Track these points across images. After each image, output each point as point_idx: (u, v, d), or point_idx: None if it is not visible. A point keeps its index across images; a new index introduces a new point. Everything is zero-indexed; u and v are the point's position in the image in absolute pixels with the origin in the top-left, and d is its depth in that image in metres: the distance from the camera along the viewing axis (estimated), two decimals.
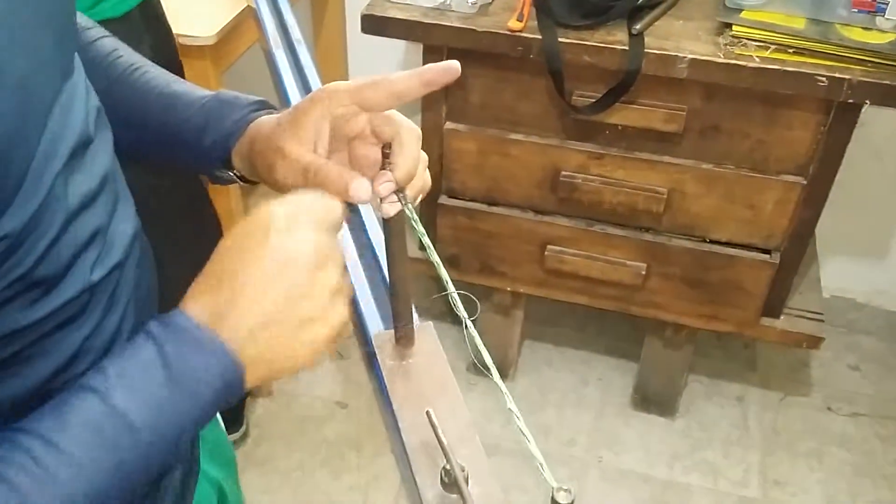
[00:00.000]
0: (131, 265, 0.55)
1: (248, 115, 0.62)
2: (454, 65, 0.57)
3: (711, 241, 1.56)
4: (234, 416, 1.71)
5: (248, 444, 1.74)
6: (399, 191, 0.55)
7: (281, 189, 0.58)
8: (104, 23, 1.12)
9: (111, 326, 0.53)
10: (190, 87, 0.65)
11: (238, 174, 0.63)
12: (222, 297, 0.48)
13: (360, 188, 0.54)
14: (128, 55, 0.67)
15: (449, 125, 1.54)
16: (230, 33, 1.35)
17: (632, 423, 1.85)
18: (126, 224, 0.55)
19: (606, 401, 1.89)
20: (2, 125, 0.40)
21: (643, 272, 1.60)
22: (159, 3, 1.24)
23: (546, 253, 1.62)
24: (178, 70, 1.28)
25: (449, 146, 1.56)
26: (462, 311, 0.54)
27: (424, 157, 0.60)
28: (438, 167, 1.59)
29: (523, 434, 0.49)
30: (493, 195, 1.61)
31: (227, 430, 1.72)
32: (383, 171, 0.56)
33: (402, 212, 0.56)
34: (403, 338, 0.62)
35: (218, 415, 0.85)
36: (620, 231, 1.58)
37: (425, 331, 0.64)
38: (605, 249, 1.60)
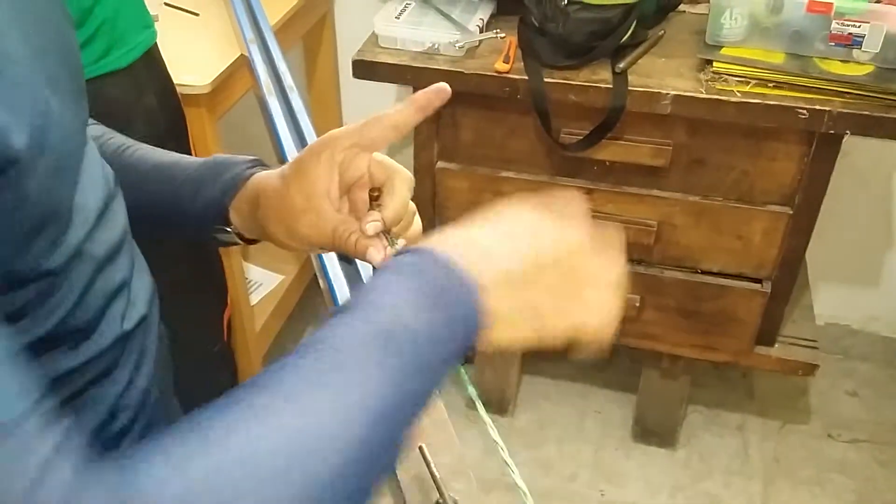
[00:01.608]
0: (153, 320, 0.57)
1: (244, 172, 0.63)
2: (444, 86, 0.59)
3: (703, 272, 1.58)
4: None
5: None
6: (386, 232, 0.57)
7: (291, 244, 0.60)
8: (111, 74, 1.17)
9: (142, 382, 0.55)
10: (181, 157, 0.67)
11: (236, 231, 0.64)
12: (487, 245, 0.49)
13: (376, 255, 0.57)
14: (117, 137, 0.69)
15: (441, 164, 1.57)
16: (225, 81, 1.38)
17: (632, 456, 1.85)
18: (145, 279, 0.57)
19: (606, 434, 1.90)
20: (50, 164, 0.42)
21: (637, 304, 1.61)
22: (160, 52, 1.27)
23: None
24: (182, 117, 1.31)
25: (441, 185, 1.58)
26: None
27: (414, 207, 0.62)
28: (431, 207, 1.61)
29: (507, 465, 0.50)
30: None
31: None
32: (371, 211, 0.58)
33: (391, 255, 0.58)
34: None
35: None
36: None
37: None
38: None
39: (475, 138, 1.53)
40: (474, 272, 0.46)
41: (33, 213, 0.42)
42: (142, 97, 1.22)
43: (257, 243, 0.66)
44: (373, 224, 0.57)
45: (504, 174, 1.55)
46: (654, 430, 1.86)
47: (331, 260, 0.76)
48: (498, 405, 1.91)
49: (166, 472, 0.35)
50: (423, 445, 0.56)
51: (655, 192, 1.51)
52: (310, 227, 0.58)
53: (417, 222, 0.62)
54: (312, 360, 0.42)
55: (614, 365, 2.02)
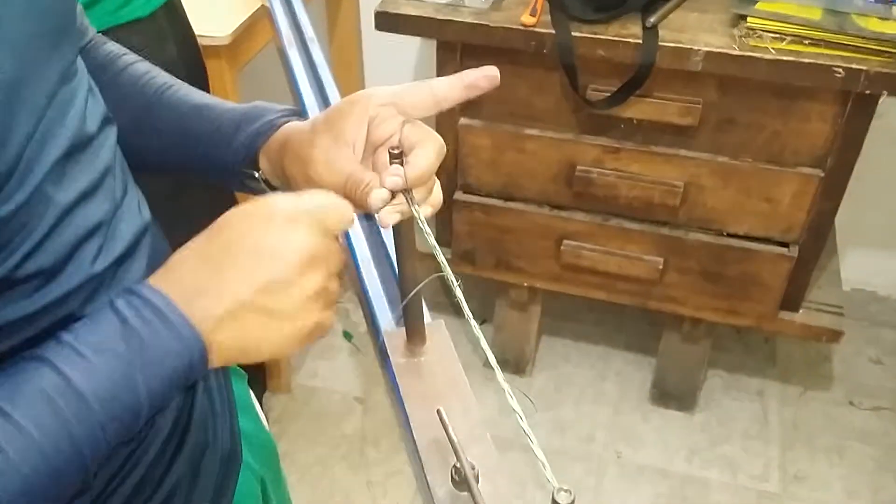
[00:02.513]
0: (139, 259, 0.56)
1: (279, 119, 0.62)
2: (494, 72, 0.58)
3: (729, 235, 1.55)
4: None
5: None
6: (407, 191, 0.55)
7: (307, 186, 0.58)
8: (132, 23, 1.15)
9: None
10: (222, 100, 0.66)
11: (263, 178, 0.63)
12: (201, 277, 0.48)
13: (375, 198, 0.54)
14: (160, 75, 0.68)
15: (464, 121, 1.54)
16: (245, 32, 1.36)
17: (650, 419, 1.84)
18: (133, 218, 0.56)
19: (624, 396, 1.89)
20: None
21: (660, 266, 1.59)
22: (181, 2, 1.25)
23: (562, 248, 1.62)
24: (202, 68, 1.29)
25: (464, 142, 1.56)
26: (466, 309, 0.53)
27: (436, 179, 0.60)
28: (453, 163, 1.59)
29: (525, 434, 0.48)
30: (508, 190, 1.60)
31: None
32: (394, 166, 0.56)
33: (409, 212, 0.56)
34: (414, 335, 0.62)
35: (259, 412, 0.85)
36: (637, 225, 1.57)
37: (437, 329, 0.64)
38: (621, 244, 1.60)
39: (499, 94, 1.50)
40: (195, 318, 0.47)
41: None
42: (162, 47, 1.20)
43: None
44: (392, 178, 0.55)
45: (528, 131, 1.52)
46: (673, 394, 1.85)
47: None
48: (516, 365, 1.91)
49: None
50: (441, 409, 0.55)
51: (683, 152, 1.48)
52: (326, 169, 0.56)
53: (438, 192, 0.60)
54: None
55: (635, 327, 2.00)
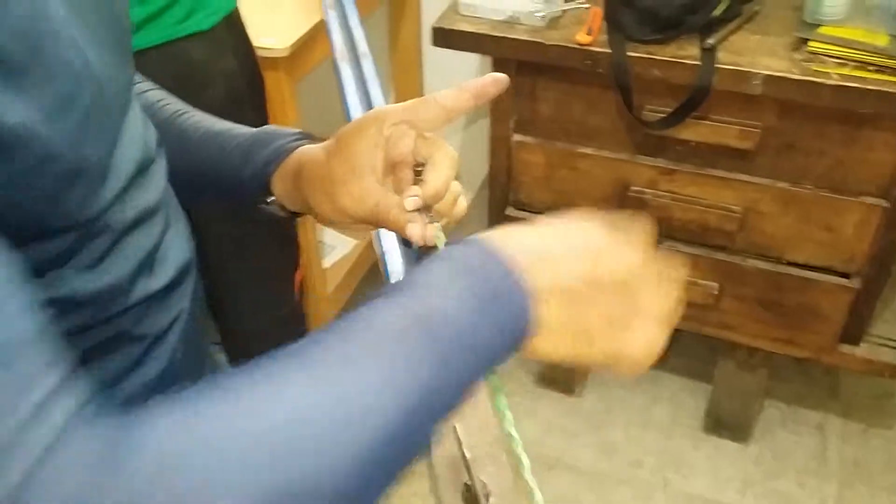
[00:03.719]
0: (188, 282, 0.57)
1: (289, 144, 0.63)
2: (502, 76, 0.57)
3: (787, 263, 1.50)
4: None
5: None
6: (426, 209, 0.56)
7: (333, 217, 0.59)
8: (193, 36, 1.19)
9: (172, 340, 0.55)
10: (234, 126, 0.67)
11: (278, 203, 0.64)
12: (549, 251, 0.46)
13: (415, 231, 0.55)
14: (174, 103, 0.70)
15: (517, 137, 1.54)
16: (304, 45, 1.39)
17: (701, 447, 1.79)
18: (182, 243, 0.57)
19: (676, 422, 1.85)
20: (91, 107, 0.42)
21: (715, 292, 1.55)
22: (240, 16, 1.28)
23: None
24: (260, 80, 1.33)
25: (517, 158, 1.56)
26: None
27: (459, 187, 0.60)
28: (506, 179, 1.59)
29: (519, 458, 0.48)
30: (560, 208, 1.58)
31: None
32: (411, 187, 0.57)
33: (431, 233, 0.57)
34: None
35: None
36: (691, 249, 1.54)
37: None
38: None
39: (553, 112, 1.49)
40: (531, 278, 0.44)
41: (61, 168, 0.42)
42: (222, 60, 1.24)
43: (302, 216, 0.65)
44: (412, 199, 0.56)
45: (582, 150, 1.51)
46: (727, 423, 1.80)
47: (386, 233, 0.76)
48: (565, 384, 1.88)
49: (170, 428, 0.34)
50: (457, 426, 0.55)
51: (741, 177, 1.44)
52: (352, 199, 0.57)
53: (462, 203, 0.60)
54: (343, 338, 0.40)
55: (690, 352, 1.95)
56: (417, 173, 0.58)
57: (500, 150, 1.55)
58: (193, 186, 0.66)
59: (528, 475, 0.48)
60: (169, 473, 0.33)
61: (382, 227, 0.58)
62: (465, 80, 0.58)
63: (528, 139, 1.53)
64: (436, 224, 0.57)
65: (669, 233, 1.54)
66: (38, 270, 0.45)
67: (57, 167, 0.42)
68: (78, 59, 0.42)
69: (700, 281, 1.55)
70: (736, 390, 1.75)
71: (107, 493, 0.32)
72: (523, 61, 1.43)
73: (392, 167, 0.58)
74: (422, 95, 0.59)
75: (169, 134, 0.66)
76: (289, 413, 0.36)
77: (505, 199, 1.62)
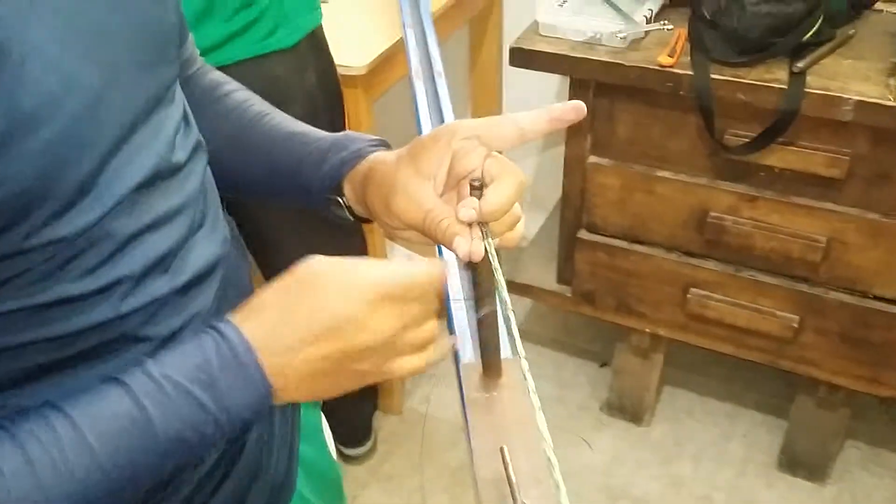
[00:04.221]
0: (208, 287, 0.57)
1: (367, 148, 0.64)
2: (580, 105, 0.57)
3: (875, 297, 1.43)
4: (363, 431, 1.75)
5: (374, 459, 1.78)
6: (482, 224, 0.55)
7: (389, 222, 0.59)
8: (276, 53, 1.21)
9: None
10: (315, 129, 0.69)
11: (347, 204, 0.64)
12: (283, 331, 0.50)
13: (461, 245, 0.55)
14: (259, 103, 0.71)
15: (593, 159, 1.52)
16: (382, 63, 1.40)
17: (775, 485, 1.72)
18: (208, 247, 0.57)
19: (749, 458, 1.78)
20: (71, 127, 0.42)
21: (795, 325, 1.49)
22: (323, 33, 1.31)
23: (689, 296, 1.56)
24: (339, 97, 1.35)
25: (592, 180, 1.53)
26: (518, 343, 0.52)
27: (520, 213, 0.59)
28: (580, 201, 1.57)
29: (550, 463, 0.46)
30: (635, 233, 1.56)
31: (355, 443, 1.76)
32: (469, 199, 0.56)
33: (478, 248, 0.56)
34: (490, 369, 0.61)
35: (328, 440, 0.86)
36: (772, 279, 1.49)
37: (514, 365, 0.63)
38: (753, 297, 1.51)
39: (632, 134, 1.47)
40: (272, 368, 0.49)
41: (9, 192, 0.41)
42: (303, 77, 1.26)
43: (369, 222, 0.65)
44: (466, 210, 0.55)
45: (660, 174, 1.48)
46: (803, 462, 1.72)
47: (449, 253, 0.75)
48: (633, 413, 1.84)
49: None
50: (505, 447, 0.54)
51: (828, 206, 1.39)
52: (407, 203, 0.57)
53: (518, 230, 0.59)
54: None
55: (767, 387, 1.88)
56: (474, 187, 0.57)
57: (575, 172, 1.53)
58: (272, 185, 0.67)
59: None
60: None
61: (432, 238, 0.57)
62: (543, 101, 0.58)
63: (604, 161, 1.51)
64: (489, 241, 0.56)
65: (750, 262, 1.49)
66: (27, 279, 0.45)
67: (4, 191, 0.41)
68: (55, 81, 0.42)
69: (779, 313, 1.50)
70: (814, 428, 1.68)
71: None
72: (602, 82, 1.42)
73: (457, 181, 0.57)
74: (500, 114, 0.59)
75: (253, 133, 0.67)
76: None
77: (578, 221, 1.60)
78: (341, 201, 0.64)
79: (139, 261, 0.51)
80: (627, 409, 1.84)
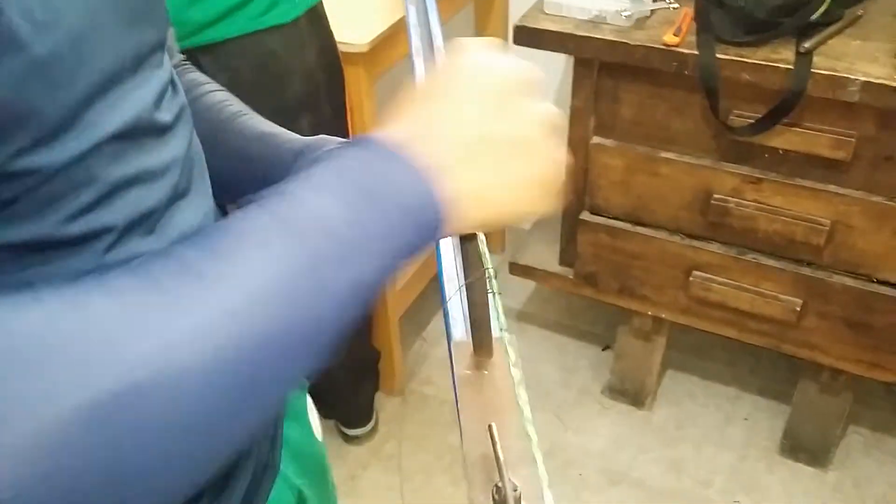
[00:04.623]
0: None
1: (339, 150, 0.63)
2: None
3: (878, 282, 1.42)
4: (365, 412, 1.75)
5: (375, 440, 1.78)
6: None
7: None
8: (274, 28, 1.20)
9: None
10: (289, 132, 0.68)
11: None
12: (419, 122, 0.44)
13: None
14: (236, 104, 0.70)
15: (596, 139, 1.50)
16: (385, 41, 1.39)
17: (776, 470, 1.72)
18: (191, 218, 0.56)
19: (751, 443, 1.77)
20: (54, 55, 0.41)
21: (798, 308, 1.48)
22: (324, 9, 1.29)
23: (691, 279, 1.55)
24: (340, 75, 1.34)
25: (595, 161, 1.52)
26: (502, 317, 0.51)
27: None
28: (582, 182, 1.56)
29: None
30: (638, 214, 1.55)
31: (356, 424, 1.77)
32: None
33: None
34: (480, 348, 0.61)
35: (314, 422, 0.85)
36: (775, 262, 1.48)
37: (506, 343, 0.62)
38: (756, 280, 1.50)
39: (635, 114, 1.45)
40: (429, 156, 0.42)
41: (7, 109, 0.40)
42: (302, 53, 1.25)
43: None
44: None
45: (664, 154, 1.47)
46: (806, 447, 1.72)
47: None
48: (634, 396, 1.83)
49: None
50: (493, 424, 0.53)
51: (832, 188, 1.37)
52: None
53: None
54: (189, 247, 0.37)
55: (770, 371, 1.88)
56: None
57: (578, 153, 1.52)
58: (243, 186, 0.66)
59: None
60: None
61: None
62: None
63: (608, 142, 1.50)
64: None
65: (753, 245, 1.48)
66: (13, 212, 0.44)
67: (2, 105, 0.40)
68: (39, 9, 0.41)
69: (782, 296, 1.49)
70: (817, 413, 1.67)
71: None
72: (607, 62, 1.40)
73: None
74: None
75: (227, 132, 0.67)
76: (101, 326, 0.33)
77: (581, 203, 1.59)
78: None
79: (123, 213, 0.50)
80: (629, 392, 1.84)
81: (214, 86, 0.73)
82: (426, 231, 0.43)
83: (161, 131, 0.53)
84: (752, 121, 1.34)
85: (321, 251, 0.38)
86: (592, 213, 1.58)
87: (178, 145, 0.55)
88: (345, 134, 1.41)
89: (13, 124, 0.42)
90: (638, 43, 1.34)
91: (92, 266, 0.49)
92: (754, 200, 1.43)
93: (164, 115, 0.54)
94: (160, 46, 0.55)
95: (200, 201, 0.59)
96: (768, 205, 1.42)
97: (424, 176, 0.42)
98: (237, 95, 0.73)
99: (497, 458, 0.52)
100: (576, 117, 1.49)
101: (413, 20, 1.17)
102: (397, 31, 1.41)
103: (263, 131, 0.67)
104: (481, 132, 0.44)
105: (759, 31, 1.30)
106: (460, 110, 0.45)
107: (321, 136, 0.66)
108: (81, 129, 0.46)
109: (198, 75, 0.73)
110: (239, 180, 0.66)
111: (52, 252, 0.47)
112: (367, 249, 0.40)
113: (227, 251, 0.37)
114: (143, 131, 0.51)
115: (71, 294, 0.35)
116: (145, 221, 0.52)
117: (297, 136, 0.67)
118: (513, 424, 0.57)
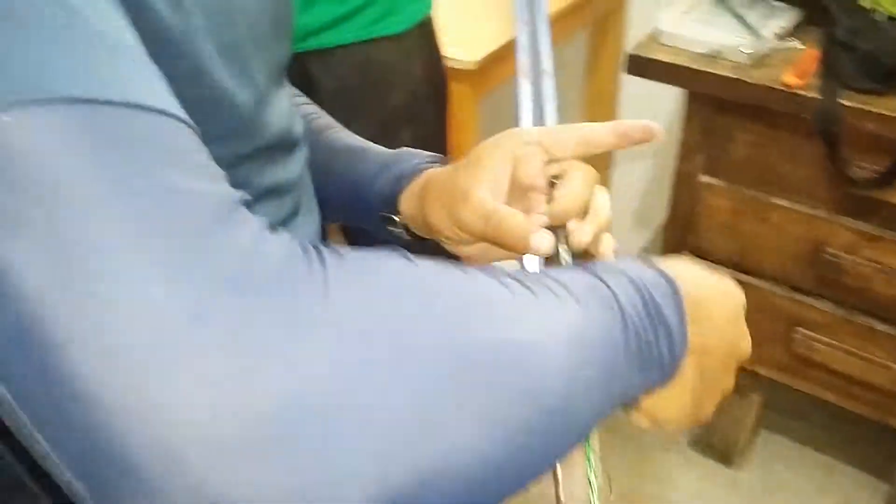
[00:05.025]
0: None
1: (423, 164, 0.62)
2: (651, 127, 0.55)
3: None
4: None
5: None
6: (557, 227, 0.52)
7: (452, 235, 0.57)
8: (383, 39, 1.21)
9: None
10: (377, 146, 0.68)
11: (403, 223, 0.63)
12: (711, 312, 0.48)
13: (542, 241, 0.51)
14: (324, 118, 0.71)
15: (704, 178, 1.44)
16: (494, 60, 1.38)
17: None
18: (303, 233, 0.56)
19: None
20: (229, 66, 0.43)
21: None
22: (434, 24, 1.30)
23: (794, 335, 1.45)
24: (444, 91, 1.33)
25: (702, 201, 1.46)
26: None
27: (607, 212, 0.57)
28: (687, 221, 1.49)
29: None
30: (742, 261, 1.47)
31: None
32: (537, 203, 0.53)
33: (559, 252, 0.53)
34: None
35: None
36: (889, 328, 1.37)
37: None
38: (866, 345, 1.40)
39: (748, 156, 1.39)
40: (691, 330, 0.44)
41: (207, 82, 0.42)
42: (408, 66, 1.25)
43: (427, 242, 0.63)
44: (536, 217, 0.53)
45: (775, 201, 1.39)
46: None
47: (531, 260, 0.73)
48: (723, 453, 1.74)
49: (400, 272, 0.34)
50: (559, 466, 0.51)
51: None
52: (470, 211, 0.54)
53: (609, 242, 0.57)
54: (533, 281, 0.39)
55: (870, 444, 1.74)
56: (553, 185, 0.55)
57: (684, 190, 1.46)
58: (332, 201, 0.66)
59: None
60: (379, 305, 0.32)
61: (500, 243, 0.54)
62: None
63: (716, 182, 1.43)
64: (564, 247, 0.54)
65: (865, 306, 1.38)
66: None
67: (206, 80, 0.42)
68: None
69: (893, 365, 1.37)
70: None
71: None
72: (721, 98, 1.34)
73: (521, 192, 0.55)
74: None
75: (316, 146, 0.67)
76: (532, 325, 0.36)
77: (683, 243, 1.52)
78: (397, 219, 0.63)
79: None
80: (717, 448, 1.74)
81: (304, 98, 0.73)
82: (649, 385, 0.44)
83: (293, 145, 0.54)
84: (874, 174, 1.25)
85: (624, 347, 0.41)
86: (694, 254, 1.52)
87: (300, 163, 0.56)
88: (444, 150, 1.40)
89: (212, 112, 0.43)
90: (756, 82, 1.27)
91: None
92: (871, 259, 1.33)
93: (297, 129, 0.55)
94: (289, 61, 0.56)
95: (311, 220, 0.60)
96: (887, 265, 1.32)
97: (684, 345, 0.44)
98: (342, 102, 0.73)
99: (558, 500, 0.50)
100: (685, 153, 1.43)
101: (524, 42, 1.16)
102: (508, 51, 1.39)
103: (350, 144, 0.67)
104: (720, 343, 0.49)
105: (887, 78, 1.21)
106: (718, 320, 0.49)
107: (405, 149, 0.66)
108: (255, 128, 0.48)
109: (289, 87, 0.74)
110: (324, 193, 0.66)
111: None
112: (631, 370, 0.42)
113: (569, 297, 0.40)
114: (284, 144, 0.52)
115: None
116: None
117: (383, 149, 0.66)
118: (581, 470, 0.54)
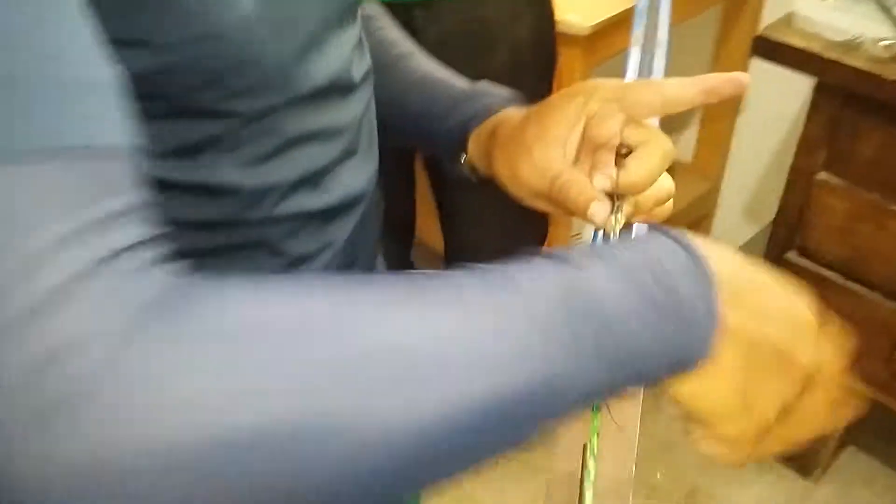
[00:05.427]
0: (352, 217, 0.55)
1: (497, 103, 0.60)
2: (740, 78, 0.50)
3: None
4: None
5: None
6: (618, 196, 0.49)
7: (511, 185, 0.55)
8: None
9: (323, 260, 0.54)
10: (454, 77, 0.65)
11: (470, 163, 0.61)
12: (757, 295, 0.40)
13: (599, 211, 0.49)
14: (405, 45, 0.69)
15: (822, 175, 1.35)
16: (607, 29, 1.32)
17: None
18: (358, 176, 0.55)
19: None
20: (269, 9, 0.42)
21: None
22: None
23: None
24: (552, 55, 1.29)
25: (815, 198, 1.37)
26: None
27: (670, 187, 0.53)
28: (796, 219, 1.41)
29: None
30: (852, 268, 1.38)
31: None
32: (606, 167, 0.50)
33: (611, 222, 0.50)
34: None
35: None
36: None
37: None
38: None
39: (874, 157, 1.29)
40: (726, 308, 0.38)
41: (229, 52, 0.41)
42: (514, 25, 1.21)
43: (488, 183, 0.61)
44: (601, 177, 0.49)
45: None
46: None
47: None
48: (802, 464, 1.66)
49: (269, 303, 0.31)
50: (587, 444, 0.48)
51: None
52: (532, 168, 0.52)
53: (668, 206, 0.53)
54: (485, 286, 0.35)
55: None
56: (622, 154, 0.51)
57: (798, 186, 1.38)
58: (400, 127, 0.65)
59: None
60: (241, 342, 0.29)
61: (562, 207, 0.51)
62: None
63: (835, 180, 1.34)
64: (618, 216, 0.50)
65: None
66: (199, 149, 0.45)
67: (225, 49, 0.41)
68: None
69: None
70: None
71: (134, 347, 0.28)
72: (853, 92, 1.25)
73: (592, 149, 0.51)
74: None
75: (392, 77, 0.65)
76: (430, 335, 0.33)
77: (790, 241, 1.44)
78: (462, 160, 0.61)
79: (296, 168, 0.50)
80: (796, 457, 1.66)
81: (387, 22, 0.71)
82: (676, 368, 0.39)
83: (348, 90, 0.53)
84: None
85: (590, 346, 0.35)
86: (801, 254, 1.43)
87: (358, 107, 0.55)
88: None
89: (233, 71, 0.43)
90: (893, 78, 1.17)
91: (261, 218, 0.49)
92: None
93: (355, 74, 0.53)
94: (356, 4, 0.54)
95: (367, 162, 0.58)
96: None
97: (713, 324, 0.38)
98: (444, 54, 0.71)
99: (582, 482, 0.47)
100: (804, 147, 1.35)
101: (641, 7, 1.10)
102: (624, 19, 1.34)
103: (424, 73, 0.65)
104: (774, 340, 0.40)
105: None
106: (783, 324, 0.41)
107: (481, 84, 0.63)
108: (292, 80, 0.46)
109: (374, 10, 0.72)
110: (396, 119, 0.64)
111: (225, 200, 0.47)
112: (633, 360, 0.37)
113: (519, 306, 0.35)
114: (336, 89, 0.51)
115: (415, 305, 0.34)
116: (313, 178, 0.51)
117: (458, 83, 0.64)
118: (613, 455, 0.51)
